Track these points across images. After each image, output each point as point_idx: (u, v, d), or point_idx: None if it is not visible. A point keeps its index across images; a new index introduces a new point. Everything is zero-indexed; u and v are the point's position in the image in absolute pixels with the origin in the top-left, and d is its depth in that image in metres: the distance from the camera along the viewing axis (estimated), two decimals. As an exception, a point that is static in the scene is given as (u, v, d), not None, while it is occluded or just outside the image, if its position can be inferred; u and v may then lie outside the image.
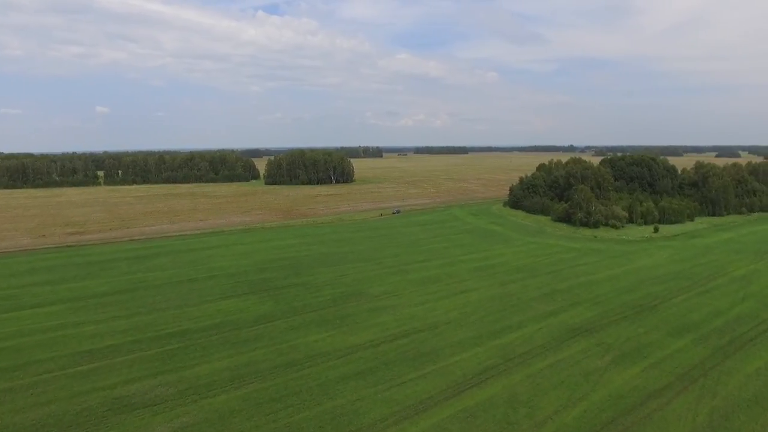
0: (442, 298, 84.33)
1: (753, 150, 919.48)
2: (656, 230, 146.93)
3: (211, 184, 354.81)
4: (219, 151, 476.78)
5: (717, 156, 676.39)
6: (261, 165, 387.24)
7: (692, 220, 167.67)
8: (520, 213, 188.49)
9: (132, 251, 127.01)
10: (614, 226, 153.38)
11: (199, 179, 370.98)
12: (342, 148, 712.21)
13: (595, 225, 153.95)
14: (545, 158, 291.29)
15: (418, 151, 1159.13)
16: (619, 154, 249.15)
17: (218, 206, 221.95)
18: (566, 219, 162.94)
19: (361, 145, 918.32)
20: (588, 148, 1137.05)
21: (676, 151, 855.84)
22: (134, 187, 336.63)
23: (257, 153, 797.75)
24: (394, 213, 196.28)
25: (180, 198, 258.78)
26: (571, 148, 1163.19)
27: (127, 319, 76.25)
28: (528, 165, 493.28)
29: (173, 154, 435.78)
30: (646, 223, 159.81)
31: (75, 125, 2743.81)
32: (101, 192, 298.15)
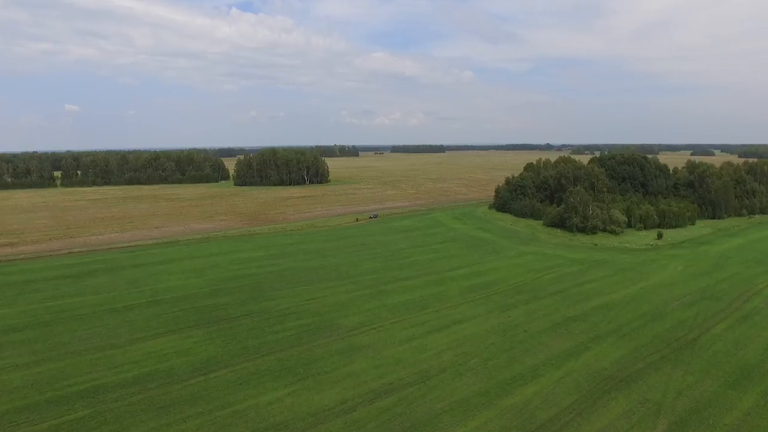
0: (431, 331, 68.53)
1: (725, 149, 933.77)
2: (660, 236, 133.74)
3: (176, 185, 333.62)
4: (188, 150, 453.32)
5: (692, 154, 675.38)
6: (232, 165, 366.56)
7: (693, 224, 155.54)
8: (508, 217, 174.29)
9: (66, 268, 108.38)
10: (613, 232, 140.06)
11: (164, 180, 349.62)
12: (318, 147, 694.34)
13: (593, 230, 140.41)
14: (523, 157, 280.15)
15: (395, 149, 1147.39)
16: (600, 153, 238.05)
17: (179, 211, 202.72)
18: (560, 224, 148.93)
19: (337, 144, 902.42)
20: (564, 146, 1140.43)
21: (651, 149, 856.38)
22: (92, 189, 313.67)
23: (232, 152, 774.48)
24: (371, 218, 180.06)
25: (139, 201, 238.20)
26: (547, 147, 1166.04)
27: (27, 369, 58.70)
28: (507, 164, 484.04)
29: (138, 154, 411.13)
30: (645, 227, 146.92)
31: (43, 124, 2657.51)
32: (54, 195, 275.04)
